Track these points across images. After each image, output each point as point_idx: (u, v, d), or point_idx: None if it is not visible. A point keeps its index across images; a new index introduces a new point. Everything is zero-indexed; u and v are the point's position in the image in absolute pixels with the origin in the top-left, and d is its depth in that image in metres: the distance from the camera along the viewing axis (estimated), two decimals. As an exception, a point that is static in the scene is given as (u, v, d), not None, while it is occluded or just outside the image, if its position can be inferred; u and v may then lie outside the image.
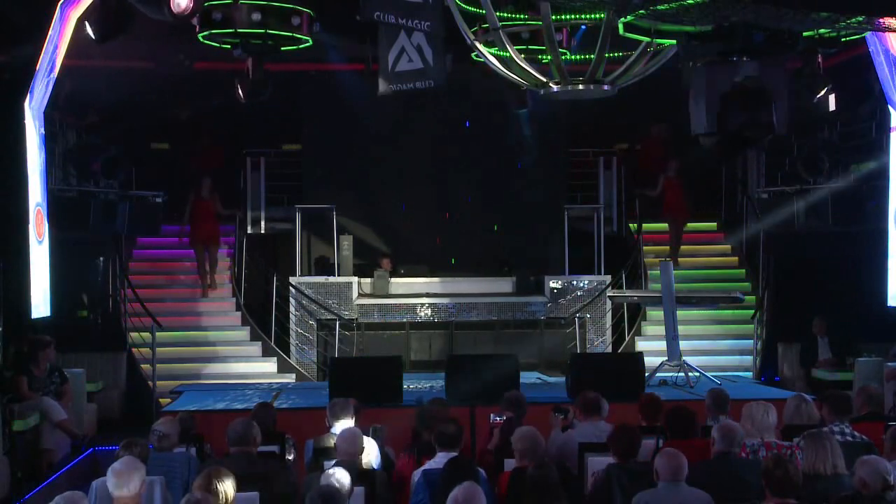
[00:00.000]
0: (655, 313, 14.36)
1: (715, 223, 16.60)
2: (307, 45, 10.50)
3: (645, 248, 15.58)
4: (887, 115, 11.70)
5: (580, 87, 9.27)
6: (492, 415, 7.69)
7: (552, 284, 14.73)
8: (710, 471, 6.03)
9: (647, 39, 8.10)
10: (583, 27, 10.56)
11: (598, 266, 15.12)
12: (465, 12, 9.61)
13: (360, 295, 14.51)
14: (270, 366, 13.93)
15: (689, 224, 16.25)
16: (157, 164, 15.12)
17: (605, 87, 9.32)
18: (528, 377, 11.74)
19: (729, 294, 12.58)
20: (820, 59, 11.60)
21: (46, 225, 10.52)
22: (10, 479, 8.92)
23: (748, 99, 6.96)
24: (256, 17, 9.82)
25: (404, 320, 14.50)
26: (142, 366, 13.10)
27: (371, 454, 7.02)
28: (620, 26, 7.55)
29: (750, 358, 14.17)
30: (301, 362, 14.23)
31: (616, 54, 9.54)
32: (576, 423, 7.53)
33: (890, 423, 7.08)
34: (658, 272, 12.84)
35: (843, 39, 9.75)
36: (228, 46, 10.53)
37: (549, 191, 15.89)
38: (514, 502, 6.09)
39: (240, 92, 11.46)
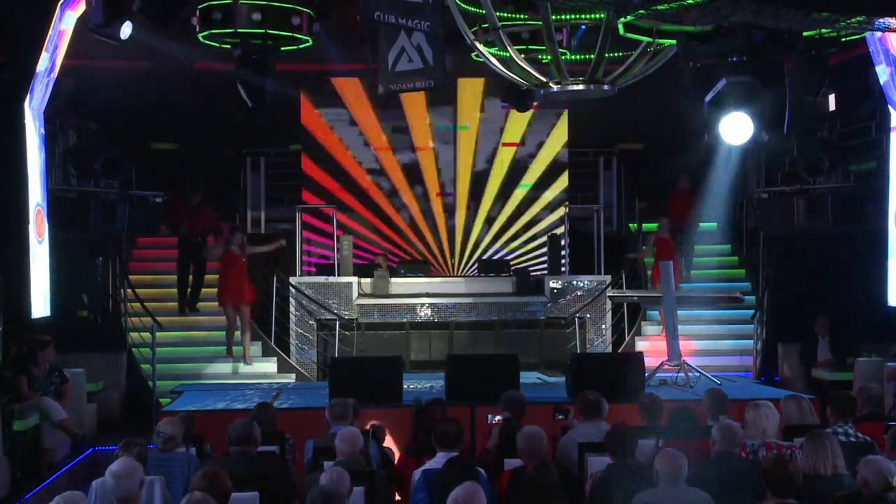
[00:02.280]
0: (655, 313, 14.38)
1: (715, 223, 16.59)
2: (307, 45, 10.50)
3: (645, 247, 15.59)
4: (887, 115, 11.70)
5: (580, 87, 9.26)
6: (490, 415, 7.69)
7: (552, 284, 14.72)
8: (710, 471, 6.03)
9: (647, 39, 8.10)
10: (583, 27, 10.54)
11: (598, 266, 15.13)
12: (465, 12, 9.60)
13: (360, 295, 14.52)
14: (270, 366, 13.92)
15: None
16: (157, 164, 15.11)
17: (605, 87, 9.31)
18: (528, 377, 11.73)
19: (729, 294, 12.58)
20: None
21: (46, 225, 10.52)
22: (10, 479, 8.92)
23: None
24: (256, 17, 9.80)
25: (404, 320, 14.50)
26: (142, 366, 13.11)
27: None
28: (620, 26, 7.54)
29: (750, 358, 14.17)
30: (301, 362, 14.23)
31: (616, 54, 9.54)
32: (576, 424, 7.53)
33: (890, 423, 7.08)
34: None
35: (843, 39, 9.73)
36: (228, 46, 10.52)
37: (549, 190, 15.92)
38: (513, 502, 6.09)
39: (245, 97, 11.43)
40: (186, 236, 14.43)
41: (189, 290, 14.47)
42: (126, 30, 8.43)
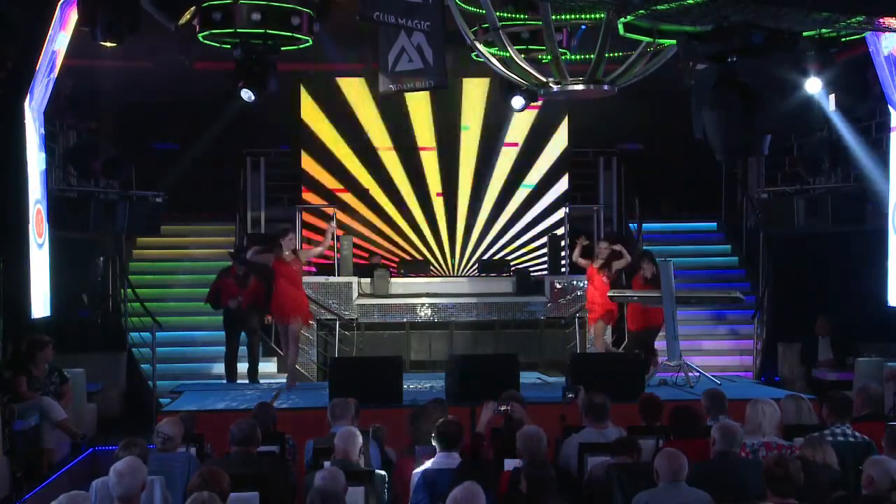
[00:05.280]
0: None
1: (715, 223, 16.61)
2: (307, 45, 10.51)
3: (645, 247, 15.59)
4: (887, 115, 11.70)
5: (580, 87, 9.27)
6: (495, 404, 7.61)
7: (552, 284, 14.72)
8: (710, 471, 6.03)
9: (647, 39, 8.10)
10: (583, 27, 10.56)
11: (598, 266, 15.11)
12: (465, 12, 9.61)
13: (360, 295, 14.51)
14: (270, 366, 13.91)
15: (689, 224, 16.30)
16: (157, 164, 15.11)
17: (605, 87, 9.32)
18: (528, 377, 11.74)
19: (729, 294, 12.58)
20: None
21: (46, 225, 10.53)
22: (10, 479, 8.91)
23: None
24: (256, 17, 9.81)
25: (404, 320, 14.49)
26: (142, 366, 13.10)
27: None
28: (620, 26, 7.54)
29: (750, 358, 14.16)
30: (301, 362, 14.20)
31: (616, 54, 9.54)
32: (584, 409, 7.46)
33: (890, 423, 7.07)
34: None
35: (843, 39, 9.74)
36: (228, 46, 10.54)
37: (549, 190, 15.94)
38: (513, 502, 6.08)
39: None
40: (235, 311, 12.64)
41: (248, 365, 12.96)
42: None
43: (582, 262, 13.05)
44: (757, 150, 7.08)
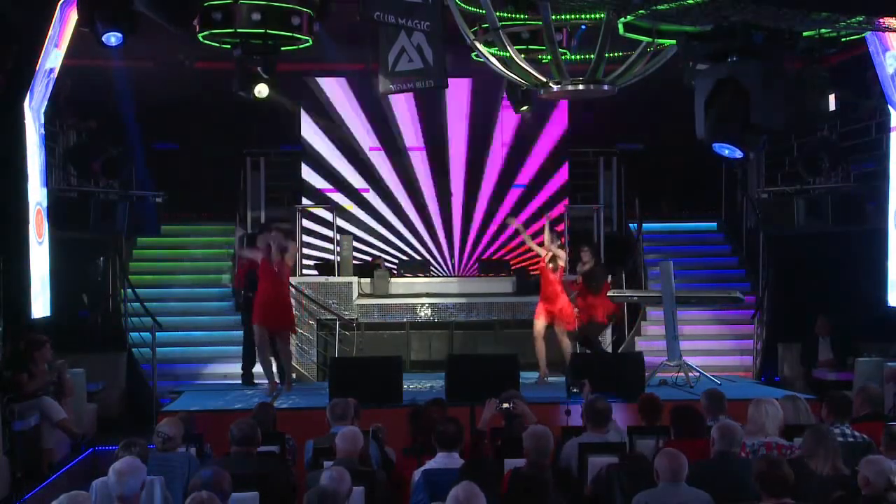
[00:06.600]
0: (655, 313, 14.37)
1: (715, 223, 16.61)
2: (307, 45, 10.51)
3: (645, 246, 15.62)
4: (887, 115, 11.71)
5: (580, 87, 9.27)
6: (498, 401, 7.61)
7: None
8: (710, 471, 6.03)
9: (647, 39, 8.10)
10: (583, 27, 10.56)
11: (598, 266, 15.11)
12: (465, 12, 9.61)
13: (360, 295, 14.51)
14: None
15: (689, 224, 16.26)
16: (157, 164, 15.10)
17: (605, 87, 9.32)
18: (528, 377, 11.74)
19: (729, 294, 12.58)
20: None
21: (46, 225, 10.54)
22: (10, 479, 8.91)
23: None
24: (256, 17, 9.83)
25: (404, 320, 14.49)
26: (142, 366, 13.10)
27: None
28: (620, 26, 7.55)
29: (750, 358, 14.16)
30: (301, 362, 14.22)
31: (616, 54, 9.55)
32: (585, 412, 7.45)
33: (889, 423, 7.08)
34: (658, 272, 12.88)
35: (843, 39, 9.75)
36: (228, 46, 10.55)
37: (549, 190, 15.94)
38: (513, 502, 6.08)
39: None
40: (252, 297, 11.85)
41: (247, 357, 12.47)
42: (113, 39, 8.46)
43: (538, 250, 12.54)
44: (752, 147, 7.07)
